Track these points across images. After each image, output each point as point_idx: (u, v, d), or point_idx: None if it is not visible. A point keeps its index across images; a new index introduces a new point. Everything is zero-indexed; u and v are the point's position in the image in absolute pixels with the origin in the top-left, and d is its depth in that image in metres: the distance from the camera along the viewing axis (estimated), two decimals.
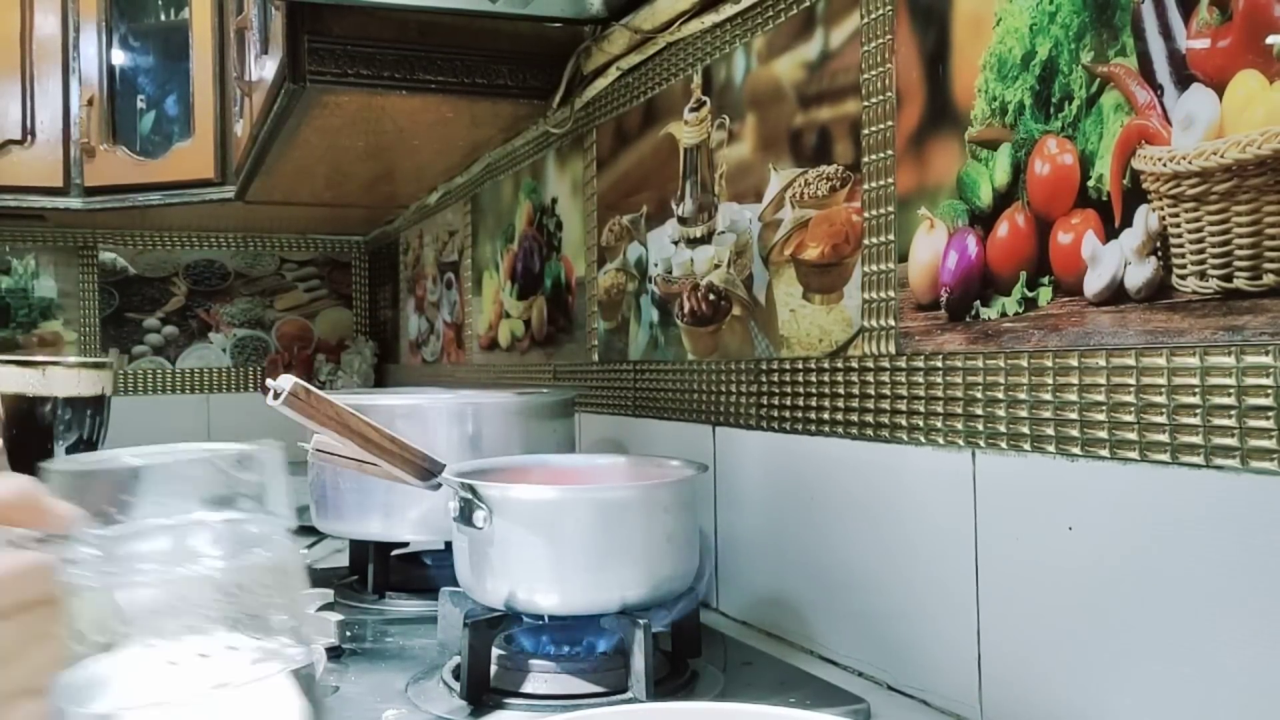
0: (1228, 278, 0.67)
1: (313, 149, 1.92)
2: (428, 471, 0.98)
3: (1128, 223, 0.74)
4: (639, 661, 0.86)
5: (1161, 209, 0.72)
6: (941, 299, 0.91)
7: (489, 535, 0.90)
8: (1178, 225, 0.71)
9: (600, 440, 1.59)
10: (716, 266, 1.27)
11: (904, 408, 0.96)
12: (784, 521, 1.13)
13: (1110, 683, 0.75)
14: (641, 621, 0.87)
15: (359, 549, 1.37)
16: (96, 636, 0.60)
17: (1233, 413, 0.67)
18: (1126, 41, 0.74)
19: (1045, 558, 0.80)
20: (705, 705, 0.80)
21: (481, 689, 0.89)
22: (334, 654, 1.02)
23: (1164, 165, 0.71)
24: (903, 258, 0.96)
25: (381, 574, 1.29)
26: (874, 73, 0.99)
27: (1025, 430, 0.83)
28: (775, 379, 1.15)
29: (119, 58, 2.60)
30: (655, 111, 1.42)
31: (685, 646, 0.97)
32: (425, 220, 2.64)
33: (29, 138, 2.52)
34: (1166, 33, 0.71)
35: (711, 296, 1.28)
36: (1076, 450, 0.78)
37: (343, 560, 1.47)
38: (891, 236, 0.97)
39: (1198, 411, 0.69)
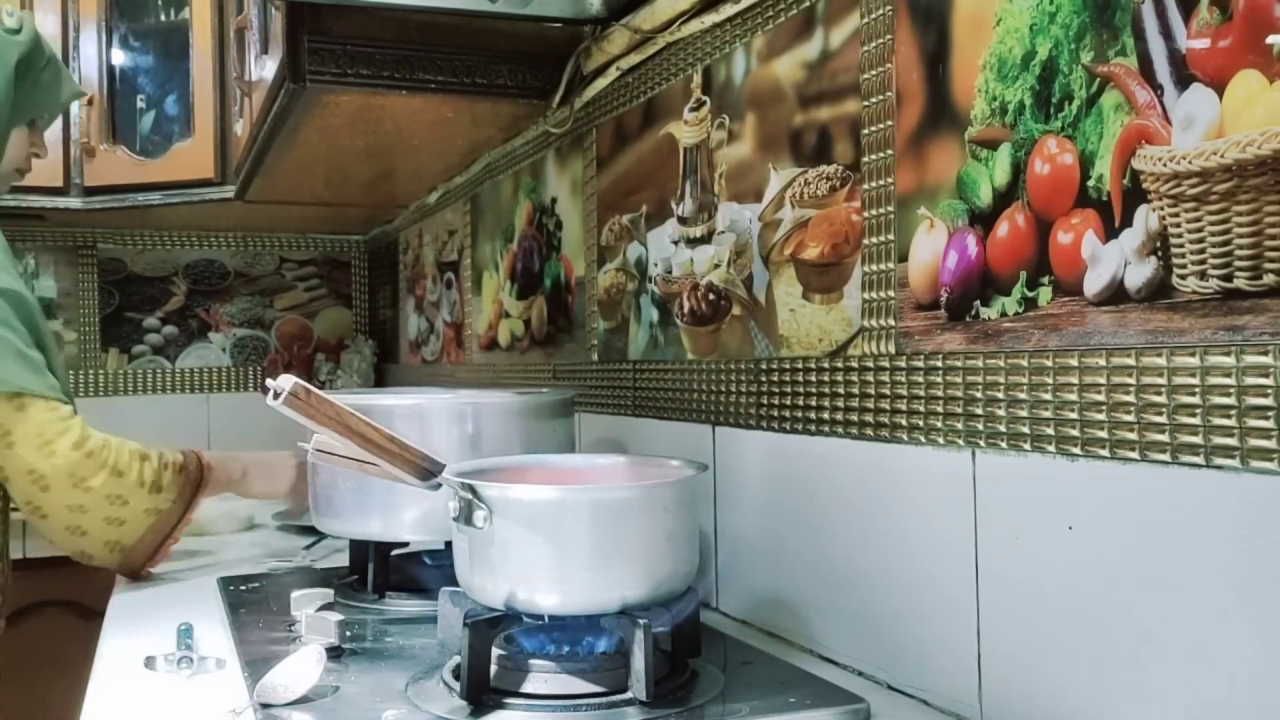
0: (1228, 277, 0.67)
1: (312, 149, 1.92)
2: (428, 471, 0.98)
3: (1128, 222, 0.74)
4: (639, 661, 0.86)
5: (1161, 209, 0.72)
6: (941, 299, 0.91)
7: (489, 535, 0.90)
8: (1178, 225, 0.71)
9: (600, 440, 1.59)
10: (716, 266, 1.27)
11: (904, 407, 0.96)
12: (784, 521, 1.13)
13: (1110, 683, 0.75)
14: (641, 621, 0.87)
15: (359, 549, 1.36)
16: None
17: (1233, 413, 0.67)
18: (1126, 41, 0.74)
19: (1045, 558, 0.80)
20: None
21: (481, 689, 0.89)
22: (334, 654, 1.02)
23: (1164, 165, 0.71)
24: (903, 257, 0.96)
25: (381, 574, 1.29)
26: (874, 73, 0.99)
27: (1025, 430, 0.83)
28: (775, 379, 1.15)
29: (119, 58, 2.60)
30: (655, 111, 1.42)
31: (685, 646, 0.97)
32: (425, 220, 2.64)
33: None
34: (1166, 33, 0.71)
35: (711, 296, 1.28)
36: (1076, 450, 0.78)
37: (343, 560, 1.47)
38: (891, 236, 0.97)
39: (1198, 411, 0.69)
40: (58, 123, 2.51)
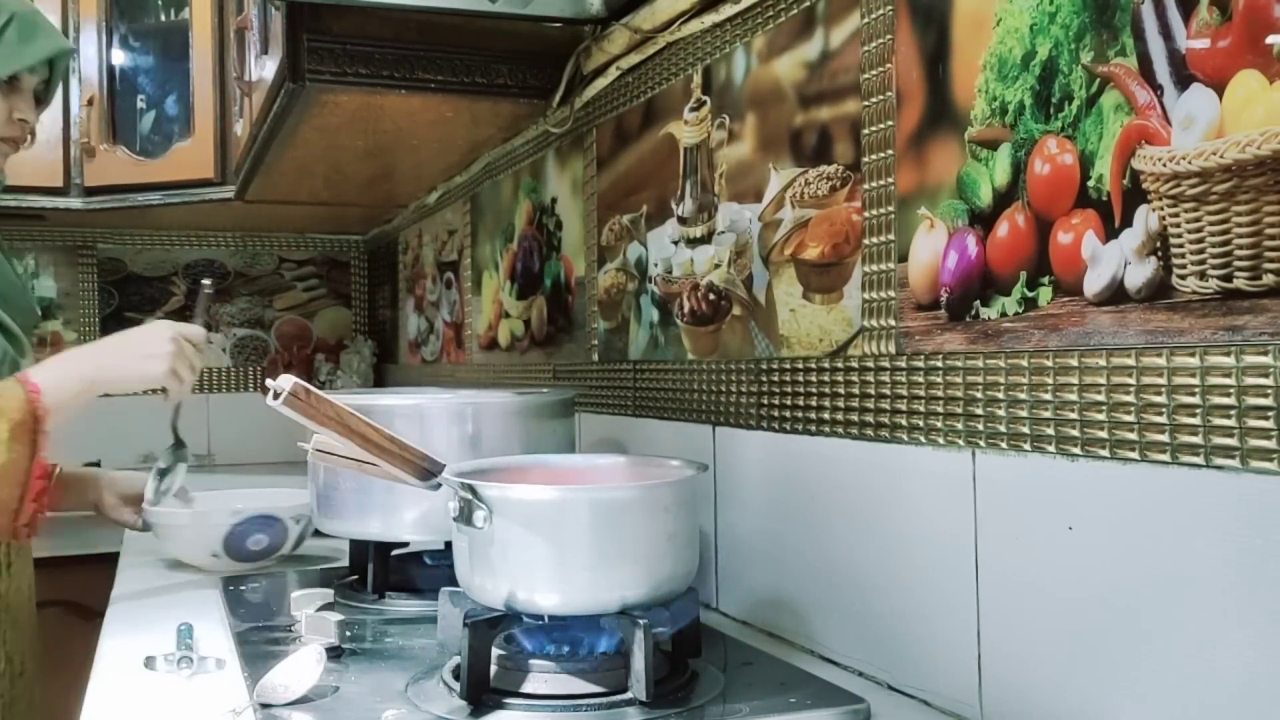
0: (1228, 278, 0.67)
1: (312, 148, 1.92)
2: (428, 471, 0.98)
3: (1128, 223, 0.74)
4: (639, 661, 0.86)
5: (1161, 209, 0.72)
6: (941, 299, 0.91)
7: (489, 535, 0.90)
8: (1178, 225, 0.71)
9: (600, 440, 1.59)
10: (716, 266, 1.27)
11: (904, 408, 0.96)
12: (784, 521, 1.13)
13: (1110, 682, 0.75)
14: (641, 621, 0.87)
15: (359, 549, 1.36)
16: None
17: (1233, 413, 0.67)
18: (1126, 41, 0.74)
19: (1045, 558, 0.80)
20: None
21: (481, 689, 0.89)
22: (334, 654, 1.02)
23: (1164, 165, 0.71)
24: (903, 257, 0.96)
25: (381, 574, 1.29)
26: (874, 73, 0.99)
27: (1025, 430, 0.83)
28: (775, 379, 1.15)
29: (119, 58, 2.60)
30: (655, 111, 1.42)
31: (685, 646, 0.97)
32: (424, 220, 2.64)
33: (29, 138, 2.52)
34: (1166, 33, 0.71)
35: (711, 296, 1.28)
36: (1076, 450, 0.78)
37: (343, 560, 1.47)
38: (891, 236, 0.97)
39: (1198, 411, 0.69)
40: (58, 122, 2.51)
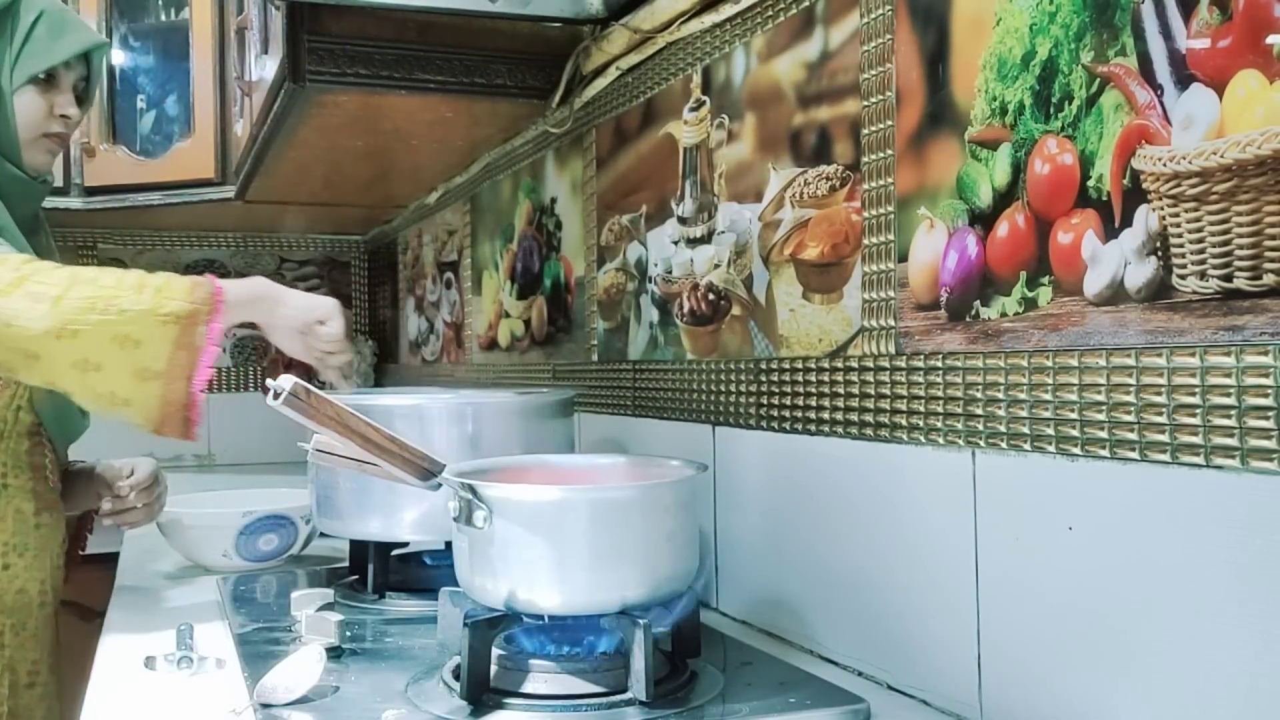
0: (1228, 278, 0.67)
1: (312, 149, 1.92)
2: (428, 471, 0.98)
3: (1128, 223, 0.74)
4: (639, 661, 0.86)
5: (1161, 209, 0.72)
6: (941, 299, 0.91)
7: (489, 535, 0.90)
8: (1178, 225, 0.71)
9: (600, 440, 1.59)
10: (716, 266, 1.27)
11: (904, 408, 0.96)
12: (784, 521, 1.13)
13: (1110, 683, 0.75)
14: (641, 621, 0.87)
15: (359, 549, 1.36)
16: None
17: (1233, 413, 0.67)
18: (1126, 41, 0.74)
19: (1045, 558, 0.80)
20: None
21: (481, 689, 0.89)
22: (334, 654, 1.02)
23: (1164, 165, 0.71)
24: (903, 257, 0.96)
25: (381, 574, 1.29)
26: (874, 72, 0.99)
27: (1025, 430, 0.83)
28: (775, 379, 1.15)
29: (119, 58, 2.60)
30: (655, 111, 1.42)
31: (685, 646, 0.97)
32: (424, 220, 2.64)
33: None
34: (1166, 33, 0.71)
35: (711, 296, 1.28)
36: (1076, 450, 0.78)
37: (343, 560, 1.47)
38: (891, 236, 0.97)
39: (1198, 411, 0.69)
40: None
